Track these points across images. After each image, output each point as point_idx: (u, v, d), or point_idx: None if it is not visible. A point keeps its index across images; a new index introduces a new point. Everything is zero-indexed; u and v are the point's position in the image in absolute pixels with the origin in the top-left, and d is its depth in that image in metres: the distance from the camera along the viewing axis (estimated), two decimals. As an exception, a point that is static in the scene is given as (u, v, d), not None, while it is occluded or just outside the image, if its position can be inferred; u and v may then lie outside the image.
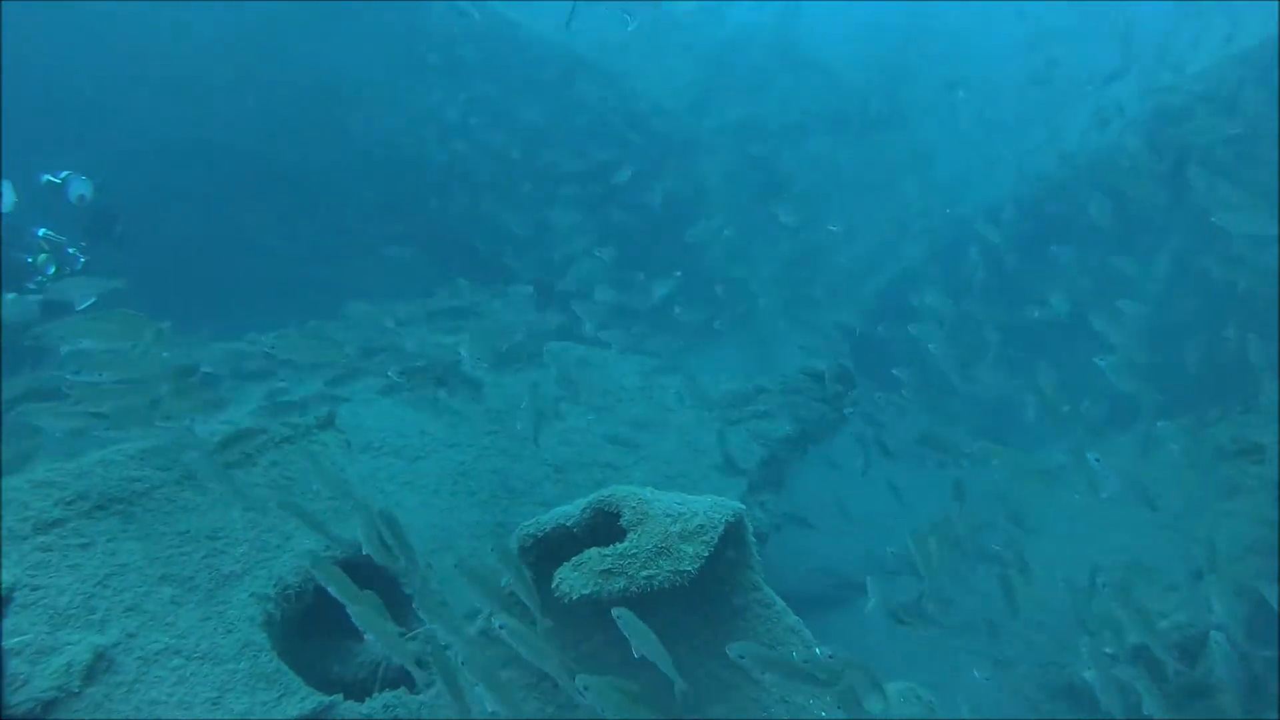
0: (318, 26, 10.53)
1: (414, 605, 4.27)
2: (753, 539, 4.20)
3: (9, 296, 5.89)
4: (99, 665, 3.35)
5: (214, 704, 3.51)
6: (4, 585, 2.79)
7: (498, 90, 11.58)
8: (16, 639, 3.20)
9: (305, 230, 10.68)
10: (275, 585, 4.18)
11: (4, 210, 5.95)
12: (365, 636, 3.75)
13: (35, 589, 3.52)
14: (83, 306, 6.32)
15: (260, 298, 9.06)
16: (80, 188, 6.53)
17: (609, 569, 3.49)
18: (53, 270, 6.23)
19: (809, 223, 11.19)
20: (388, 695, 3.98)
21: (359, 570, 4.41)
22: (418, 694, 4.02)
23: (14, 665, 3.08)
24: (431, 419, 7.22)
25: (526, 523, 3.91)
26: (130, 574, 3.84)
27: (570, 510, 3.82)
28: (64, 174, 6.55)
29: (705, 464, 7.18)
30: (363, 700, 4.01)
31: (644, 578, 3.51)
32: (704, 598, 4.22)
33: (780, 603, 4.44)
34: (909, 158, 12.76)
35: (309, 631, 4.53)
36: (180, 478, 4.36)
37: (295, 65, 10.55)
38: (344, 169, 10.76)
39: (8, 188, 5.97)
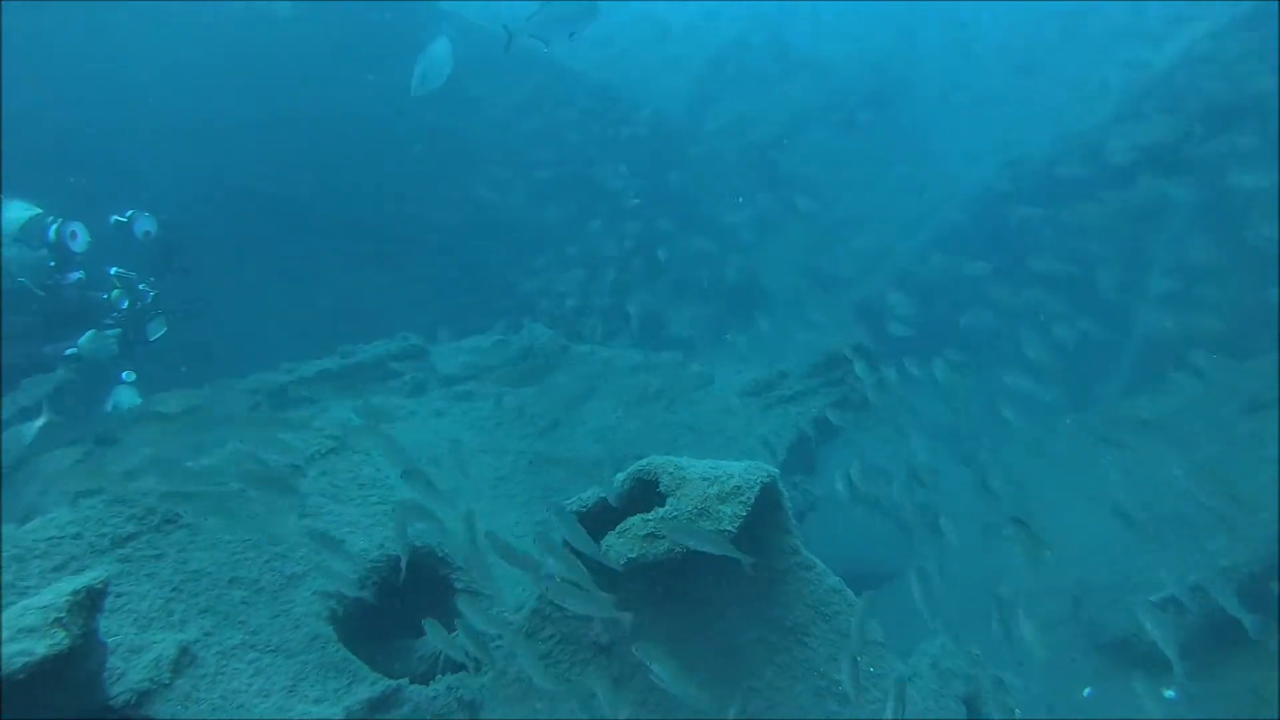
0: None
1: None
2: (788, 503, 4.34)
3: (88, 334, 6.19)
4: (183, 659, 3.59)
5: (290, 692, 3.72)
6: (95, 588, 3.01)
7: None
8: (109, 639, 3.43)
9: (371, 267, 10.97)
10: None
11: (78, 251, 6.23)
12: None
13: (119, 595, 3.78)
14: (155, 338, 6.72)
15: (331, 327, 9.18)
16: (145, 224, 6.73)
17: (652, 533, 3.66)
18: (126, 305, 6.53)
19: (814, 213, 11.41)
20: (450, 678, 4.16)
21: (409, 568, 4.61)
22: (480, 677, 4.20)
23: (110, 661, 3.30)
24: (465, 428, 7.45)
25: (568, 500, 4.09)
26: (202, 579, 4.09)
27: (610, 485, 3.98)
28: (129, 212, 6.76)
29: (737, 451, 7.32)
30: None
31: (686, 539, 3.66)
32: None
33: (821, 565, 4.57)
34: (907, 142, 12.86)
35: (368, 634, 4.73)
36: (240, 490, 4.60)
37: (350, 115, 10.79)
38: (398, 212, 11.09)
39: (81, 229, 6.25)
